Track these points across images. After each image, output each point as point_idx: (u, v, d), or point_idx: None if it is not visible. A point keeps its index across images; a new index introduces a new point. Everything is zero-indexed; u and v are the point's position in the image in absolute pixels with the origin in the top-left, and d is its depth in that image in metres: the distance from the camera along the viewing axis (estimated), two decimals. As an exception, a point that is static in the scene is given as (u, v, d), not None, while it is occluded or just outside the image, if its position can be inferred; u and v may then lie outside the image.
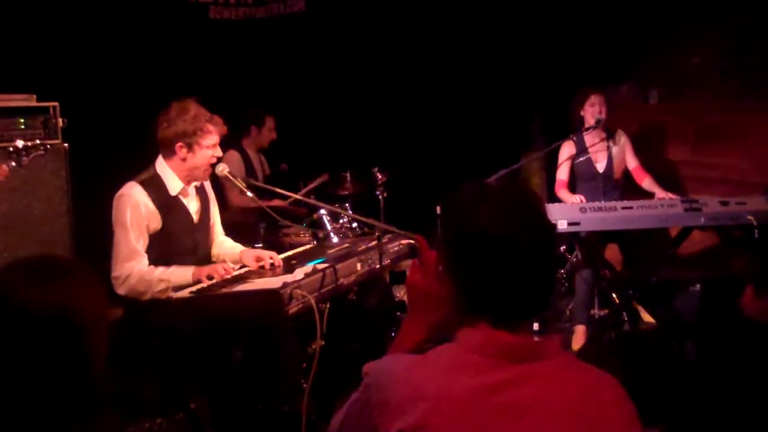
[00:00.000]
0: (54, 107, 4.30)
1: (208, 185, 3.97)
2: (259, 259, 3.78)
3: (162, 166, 3.68)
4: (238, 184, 3.93)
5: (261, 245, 4.90)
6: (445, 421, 1.53)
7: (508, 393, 1.55)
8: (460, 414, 1.53)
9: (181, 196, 3.73)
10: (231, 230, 5.16)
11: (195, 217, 3.81)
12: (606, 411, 1.57)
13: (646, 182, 5.50)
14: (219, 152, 3.72)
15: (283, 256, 4.01)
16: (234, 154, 5.74)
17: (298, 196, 4.46)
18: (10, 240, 4.10)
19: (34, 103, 4.29)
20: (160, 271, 3.54)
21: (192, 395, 3.81)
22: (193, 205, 3.81)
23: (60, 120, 4.30)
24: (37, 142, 3.75)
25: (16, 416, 1.51)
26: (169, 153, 3.65)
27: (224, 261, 3.87)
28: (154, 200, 3.59)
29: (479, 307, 1.63)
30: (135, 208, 3.54)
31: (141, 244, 3.57)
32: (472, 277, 1.62)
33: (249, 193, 3.97)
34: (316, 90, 6.74)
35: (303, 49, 6.68)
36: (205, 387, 3.60)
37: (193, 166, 3.67)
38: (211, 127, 3.64)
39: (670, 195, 5.21)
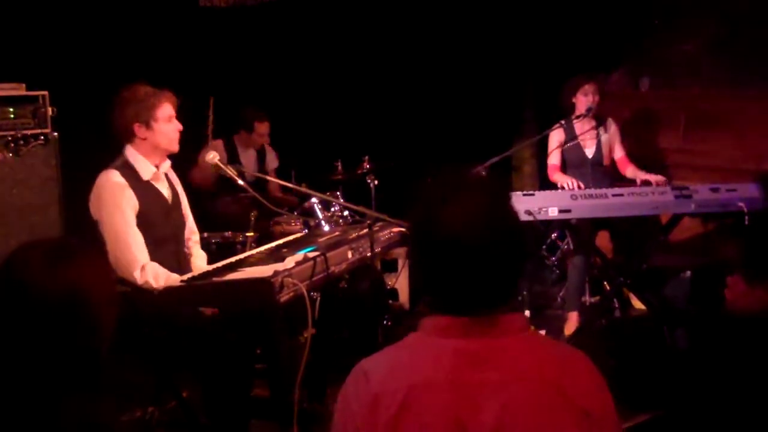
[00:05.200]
0: (43, 96, 4.28)
1: (173, 174, 3.97)
2: None
3: (131, 153, 3.69)
4: (230, 172, 3.92)
5: (252, 233, 4.91)
6: (423, 407, 1.55)
7: (479, 370, 1.57)
8: (436, 399, 1.55)
9: (153, 182, 3.74)
10: (222, 220, 5.16)
11: (167, 199, 3.82)
12: (578, 381, 1.59)
13: (630, 171, 5.56)
14: (178, 125, 3.72)
15: (274, 244, 4.01)
16: (218, 143, 5.74)
17: (289, 185, 4.46)
18: (0, 230, 4.09)
19: (23, 93, 4.27)
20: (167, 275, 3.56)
21: (184, 384, 3.82)
22: (164, 190, 3.82)
23: (50, 109, 4.28)
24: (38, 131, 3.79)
25: (23, 388, 1.56)
26: (130, 137, 3.67)
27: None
28: (131, 186, 3.61)
29: (440, 301, 1.66)
30: (120, 192, 3.56)
31: (140, 247, 3.56)
32: (432, 276, 1.66)
33: (240, 182, 3.96)
34: (307, 78, 6.71)
35: (293, 37, 6.65)
36: (197, 375, 3.60)
37: (156, 143, 3.69)
38: (162, 100, 3.67)
39: (655, 177, 5.25)
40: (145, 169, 3.70)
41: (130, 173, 3.65)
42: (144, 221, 3.64)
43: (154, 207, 3.72)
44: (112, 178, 3.59)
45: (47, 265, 1.60)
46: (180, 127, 3.74)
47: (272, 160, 6.24)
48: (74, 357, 1.60)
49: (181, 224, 3.93)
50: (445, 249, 1.60)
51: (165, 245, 3.73)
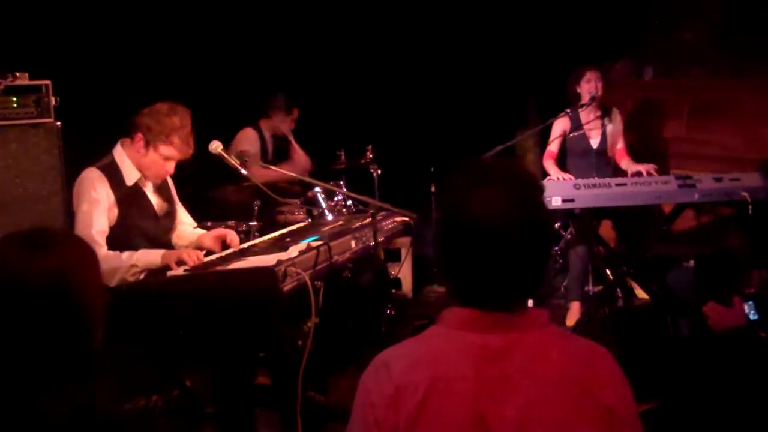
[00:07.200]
0: (46, 86, 4.26)
1: (169, 181, 3.95)
2: (218, 238, 3.81)
3: (119, 154, 3.70)
4: (232, 161, 3.91)
5: (255, 223, 4.91)
6: (444, 401, 1.53)
7: (502, 364, 1.55)
8: (459, 392, 1.54)
9: (139, 184, 3.74)
10: (225, 209, 5.16)
11: (157, 208, 3.81)
12: (601, 378, 1.58)
13: (624, 162, 5.57)
14: (171, 168, 3.71)
15: (277, 233, 4.01)
16: (251, 133, 5.71)
17: (299, 176, 4.46)
18: (3, 219, 4.07)
19: (26, 82, 4.26)
20: (128, 255, 3.53)
21: (187, 373, 3.83)
22: (152, 195, 3.81)
23: (53, 98, 4.27)
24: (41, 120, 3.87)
25: (15, 380, 1.54)
26: (130, 137, 3.67)
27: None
28: (112, 187, 3.62)
29: (465, 293, 1.63)
30: (96, 191, 3.57)
31: (100, 231, 3.56)
32: (459, 264, 1.62)
33: (243, 171, 3.95)
34: (311, 68, 6.70)
35: (298, 27, 6.64)
36: (200, 364, 3.61)
37: (143, 165, 3.68)
38: (176, 141, 3.63)
39: (645, 166, 5.28)
40: (131, 173, 3.70)
41: (114, 175, 3.65)
42: (124, 224, 3.64)
43: (136, 210, 3.72)
44: (94, 178, 3.61)
45: (26, 255, 1.57)
46: (171, 171, 3.73)
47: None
48: (63, 345, 1.58)
49: (167, 233, 3.92)
50: (473, 236, 1.57)
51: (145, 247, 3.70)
